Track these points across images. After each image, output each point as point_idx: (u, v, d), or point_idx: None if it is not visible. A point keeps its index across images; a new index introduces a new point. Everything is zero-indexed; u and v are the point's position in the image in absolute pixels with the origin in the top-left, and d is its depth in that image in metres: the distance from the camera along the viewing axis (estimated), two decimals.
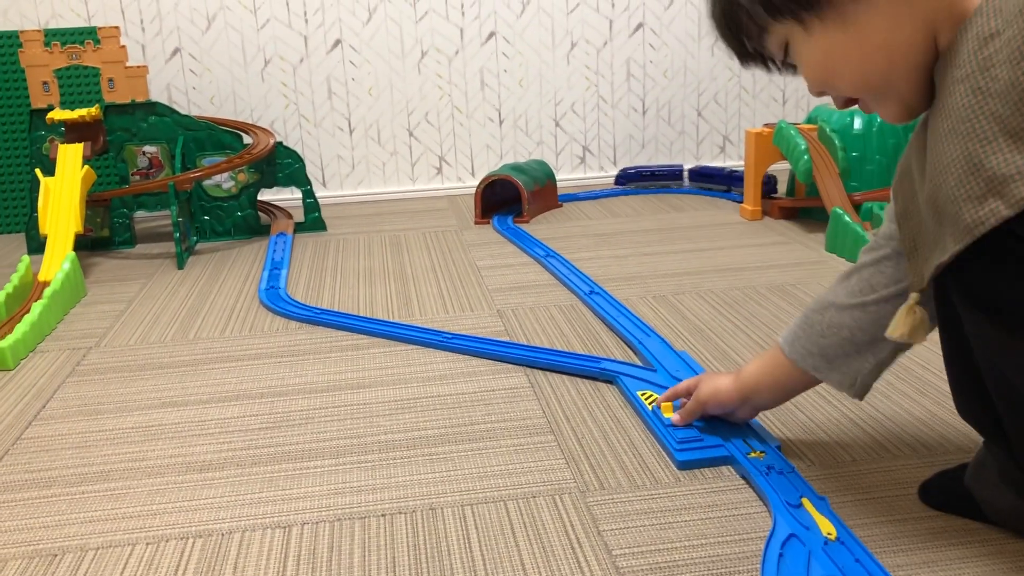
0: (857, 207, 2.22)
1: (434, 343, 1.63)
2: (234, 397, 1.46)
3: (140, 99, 2.45)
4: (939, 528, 1.01)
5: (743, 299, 1.82)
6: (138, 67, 2.44)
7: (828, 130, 2.32)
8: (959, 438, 1.21)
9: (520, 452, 1.23)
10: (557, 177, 3.03)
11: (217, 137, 2.49)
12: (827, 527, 1.00)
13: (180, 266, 2.25)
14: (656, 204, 2.71)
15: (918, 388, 1.37)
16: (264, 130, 2.65)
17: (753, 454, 1.15)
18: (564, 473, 1.17)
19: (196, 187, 2.49)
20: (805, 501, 1.04)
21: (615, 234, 2.39)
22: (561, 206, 2.75)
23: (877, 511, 1.05)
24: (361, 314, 1.83)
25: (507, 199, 2.71)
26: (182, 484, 1.18)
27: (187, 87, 2.83)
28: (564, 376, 1.48)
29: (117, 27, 2.44)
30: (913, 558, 0.96)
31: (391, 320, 1.78)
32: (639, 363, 1.51)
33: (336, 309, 1.87)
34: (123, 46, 2.43)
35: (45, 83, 2.41)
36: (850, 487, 1.10)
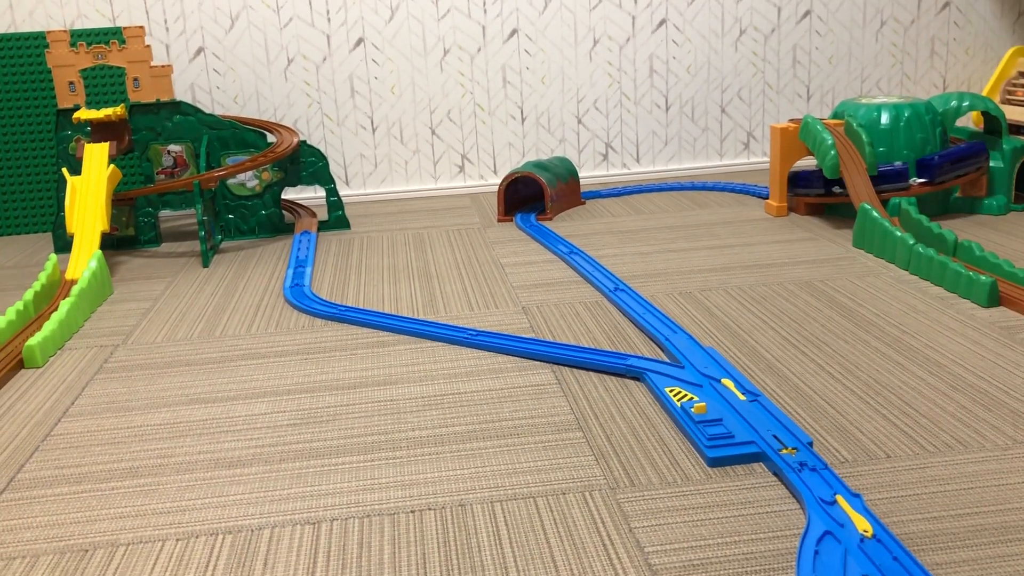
0: (885, 202, 2.20)
1: (459, 340, 1.63)
2: (261, 394, 1.46)
3: (165, 98, 2.46)
4: (978, 526, 0.99)
5: (771, 295, 1.80)
6: (163, 66, 2.45)
7: (855, 125, 2.29)
8: (994, 434, 1.19)
9: (549, 449, 1.22)
10: (580, 174, 3.02)
11: (241, 136, 2.49)
12: (863, 524, 0.98)
13: (205, 264, 2.26)
14: (680, 201, 2.69)
15: (952, 384, 1.35)
16: (288, 129, 2.65)
17: (785, 451, 1.14)
18: (594, 470, 1.16)
19: (220, 186, 2.50)
20: (839, 498, 1.03)
21: (639, 231, 2.37)
22: (584, 203, 2.74)
23: (913, 508, 1.03)
24: (386, 311, 1.83)
25: (530, 197, 2.70)
26: (211, 480, 1.18)
27: (211, 86, 2.84)
28: (591, 373, 1.47)
29: (142, 27, 2.45)
30: (953, 556, 0.94)
31: (416, 317, 1.78)
32: (666, 360, 1.49)
33: (361, 306, 1.87)
34: (148, 46, 2.44)
35: (71, 83, 2.42)
36: (885, 484, 1.09)
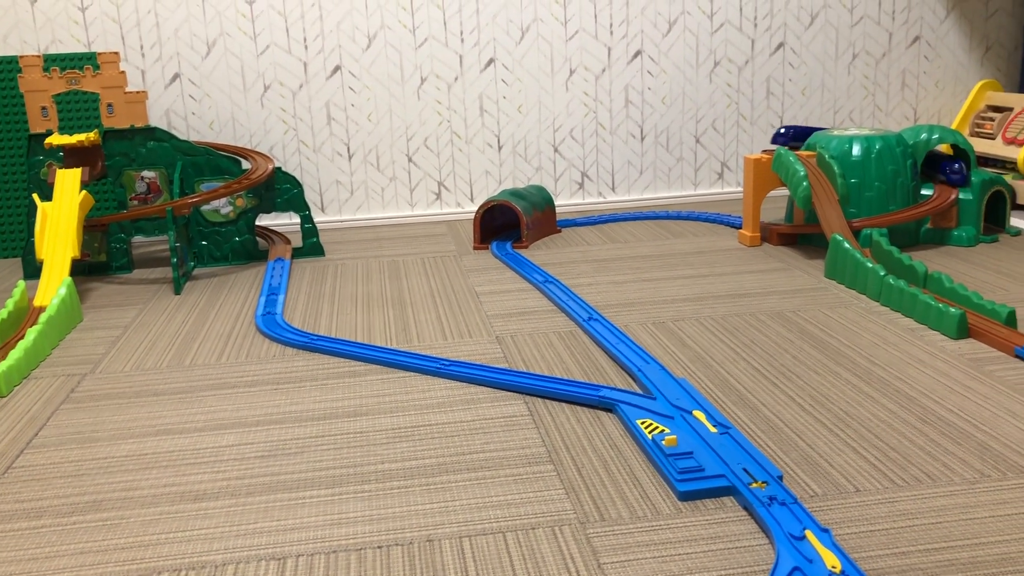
0: (856, 233, 2.22)
1: (432, 370, 1.62)
2: (229, 425, 1.44)
3: (139, 124, 2.44)
4: (946, 561, 0.99)
5: (743, 326, 1.81)
6: (137, 92, 2.44)
7: (827, 156, 2.32)
8: (962, 468, 1.20)
9: (519, 482, 1.21)
10: (556, 203, 3.03)
11: (215, 162, 2.48)
12: (831, 560, 0.98)
13: (177, 291, 2.24)
14: (654, 230, 2.70)
15: (921, 416, 1.36)
16: (263, 155, 2.64)
17: (755, 484, 1.14)
18: (564, 504, 1.15)
19: (194, 212, 2.49)
20: (808, 533, 1.03)
21: (614, 260, 2.38)
22: (560, 231, 2.75)
23: (882, 543, 1.03)
24: (359, 340, 1.82)
25: (506, 224, 2.71)
26: (176, 514, 1.17)
27: (187, 112, 2.83)
28: (563, 404, 1.47)
29: (117, 53, 2.44)
30: None
31: (389, 347, 1.77)
32: (639, 391, 1.49)
33: (333, 335, 1.86)
34: (122, 72, 2.43)
35: (44, 108, 2.41)
36: (854, 519, 1.09)
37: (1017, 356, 1.58)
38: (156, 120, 2.82)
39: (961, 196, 2.39)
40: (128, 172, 2.46)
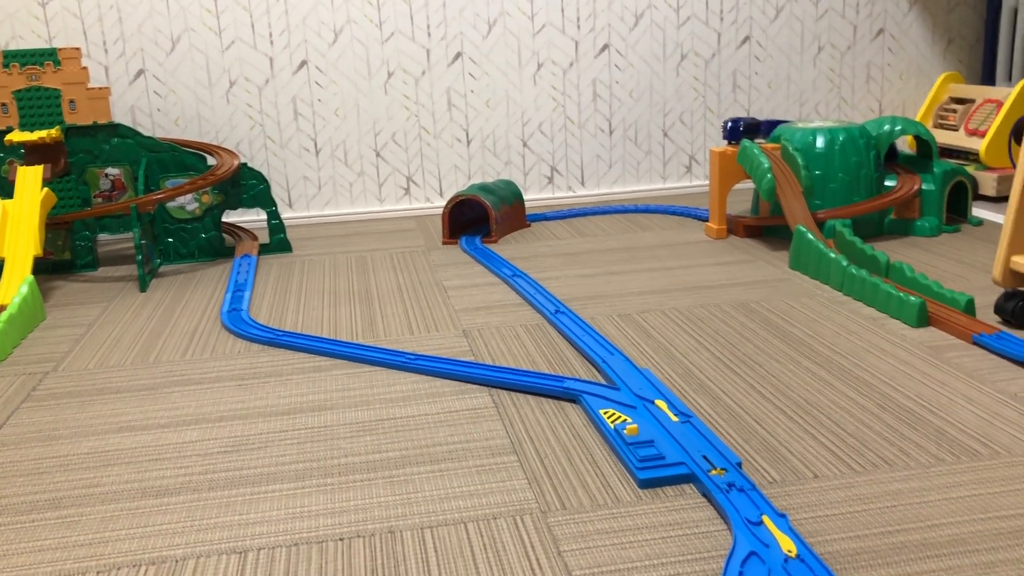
0: (820, 225, 2.24)
1: (397, 364, 1.62)
2: (193, 421, 1.43)
3: (102, 121, 2.42)
4: (900, 543, 1.01)
5: (707, 316, 1.83)
6: (100, 88, 2.42)
7: (791, 148, 2.34)
8: (918, 452, 1.22)
9: (482, 473, 1.22)
10: (525, 197, 3.04)
11: (181, 158, 2.46)
12: (787, 545, 0.99)
13: (143, 289, 2.22)
14: (623, 223, 2.71)
15: (879, 403, 1.37)
16: (228, 151, 2.63)
17: (714, 471, 1.15)
18: (526, 493, 1.16)
19: (160, 209, 2.47)
20: (765, 519, 1.04)
21: (582, 253, 2.39)
22: (529, 226, 2.75)
23: (838, 528, 1.05)
24: (325, 335, 1.81)
25: (475, 219, 2.71)
26: (136, 510, 1.16)
27: (151, 109, 2.80)
28: (529, 396, 1.47)
29: (78, 48, 2.41)
30: (875, 574, 0.96)
31: (355, 341, 1.77)
32: (603, 382, 1.50)
33: (299, 331, 1.85)
34: (84, 67, 2.40)
35: (4, 105, 2.38)
36: (811, 504, 1.10)
37: (975, 343, 1.61)
38: (120, 117, 2.79)
39: (924, 187, 2.42)
40: (92, 169, 2.44)
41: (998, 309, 1.71)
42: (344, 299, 2.07)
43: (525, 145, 3.03)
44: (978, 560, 0.97)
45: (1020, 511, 1.06)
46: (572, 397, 1.44)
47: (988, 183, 2.72)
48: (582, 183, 3.10)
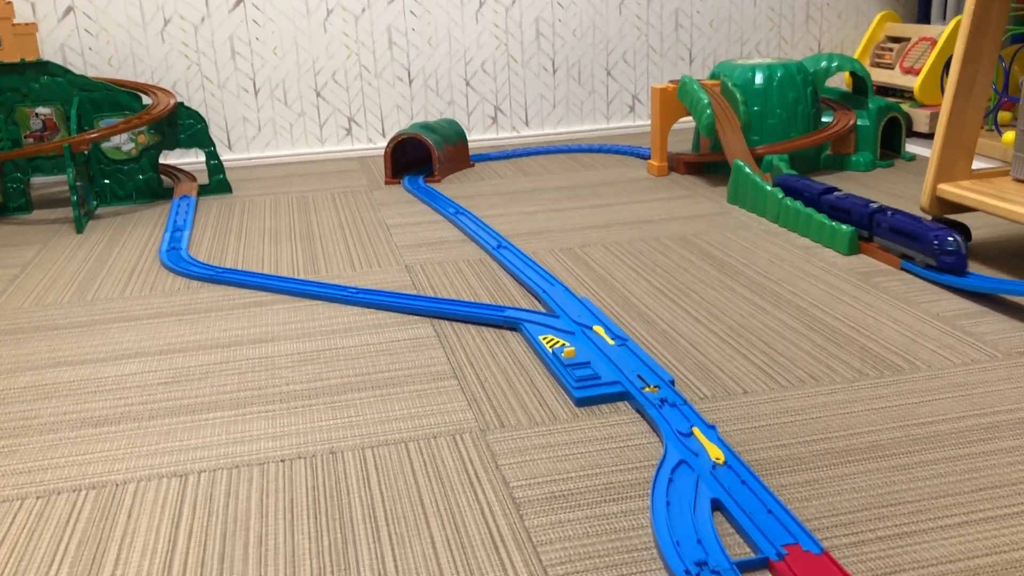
0: (758, 160, 2.28)
1: (339, 298, 1.62)
2: (132, 355, 1.43)
3: (30, 58, 2.35)
4: (823, 450, 1.05)
5: (646, 249, 1.86)
6: (26, 24, 2.34)
7: (730, 85, 2.36)
8: (844, 368, 1.27)
9: (423, 397, 1.24)
10: (469, 137, 3.03)
11: (115, 98, 2.40)
12: (715, 453, 1.03)
13: (79, 230, 2.18)
14: (567, 162, 2.72)
15: (809, 325, 1.42)
16: (164, 91, 2.57)
17: (648, 389, 1.18)
18: (466, 414, 1.18)
19: (94, 150, 2.41)
20: (695, 430, 1.07)
21: (526, 192, 2.40)
22: (473, 166, 2.75)
23: (765, 438, 1.09)
24: (266, 273, 1.81)
25: (418, 159, 2.70)
26: (75, 439, 1.16)
27: (82, 48, 2.72)
28: (470, 325, 1.49)
29: None
30: (797, 478, 1.00)
31: (295, 277, 1.76)
32: (543, 310, 1.52)
33: (239, 268, 1.84)
34: (9, 2, 2.32)
35: None
36: (740, 417, 1.14)
37: (903, 269, 1.66)
38: (50, 56, 2.71)
39: (859, 123, 2.47)
40: (21, 108, 2.37)
41: None
42: (285, 238, 2.06)
43: (468, 84, 3.01)
44: (895, 463, 1.02)
45: (935, 419, 1.12)
46: (512, 325, 1.46)
47: (922, 120, 2.78)
48: (526, 123, 3.09)
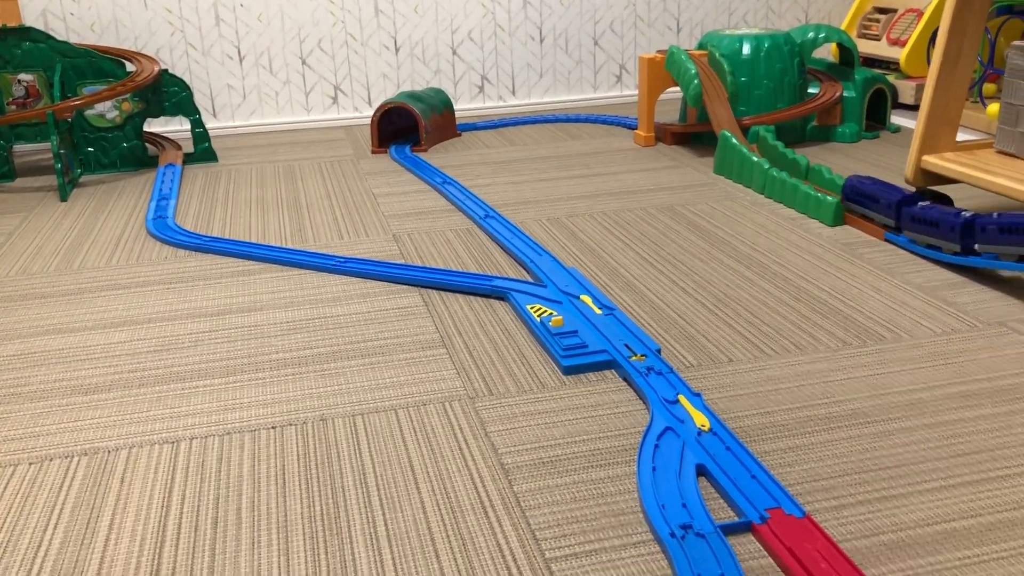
0: (745, 131, 2.28)
1: (327, 267, 1.63)
2: (121, 323, 1.43)
3: (12, 23, 2.32)
4: (806, 417, 1.07)
5: (633, 219, 1.87)
6: None
7: (717, 55, 2.36)
8: (827, 338, 1.28)
9: (412, 365, 1.25)
10: (456, 107, 3.02)
11: (98, 64, 2.38)
12: (701, 420, 1.05)
13: (63, 198, 2.17)
14: (554, 132, 2.72)
15: (794, 295, 1.44)
16: (148, 58, 2.54)
17: (634, 357, 1.20)
18: (455, 382, 1.19)
19: (78, 117, 2.39)
20: (681, 398, 1.09)
21: (513, 161, 2.40)
22: (460, 135, 2.74)
23: (749, 405, 1.11)
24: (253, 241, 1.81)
25: (404, 128, 2.69)
26: (67, 406, 1.16)
27: (64, 13, 2.69)
28: (458, 295, 1.50)
29: None
30: (780, 444, 1.02)
31: (283, 246, 1.77)
32: (530, 280, 1.53)
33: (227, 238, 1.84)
34: None
35: None
36: (725, 385, 1.16)
37: (887, 240, 1.68)
38: (32, 22, 2.67)
39: (845, 94, 2.48)
40: (3, 75, 2.34)
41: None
42: (272, 207, 2.06)
43: (455, 53, 2.99)
44: (875, 430, 1.04)
45: (915, 387, 1.14)
46: (500, 295, 1.47)
47: (907, 91, 2.80)
48: (513, 93, 3.08)
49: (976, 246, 1.48)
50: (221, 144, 2.72)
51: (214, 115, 2.87)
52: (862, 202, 1.73)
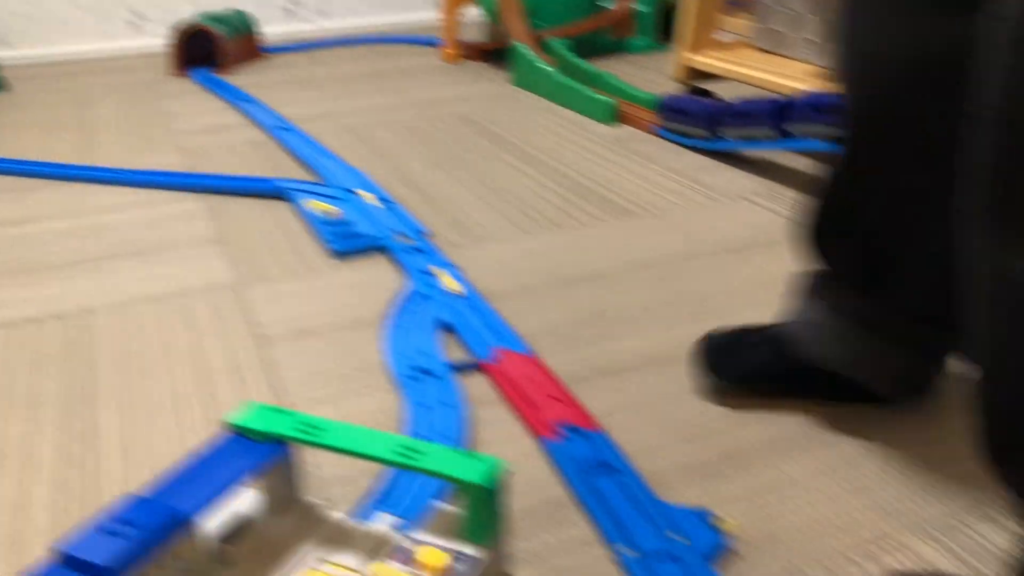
0: (543, 44, 2.37)
1: (110, 179, 1.61)
2: None
3: None
4: (550, 280, 1.17)
5: (428, 128, 1.92)
6: None
7: None
8: (583, 216, 1.39)
9: (186, 260, 1.27)
10: (267, 30, 2.96)
11: None
12: (455, 287, 1.13)
13: None
14: (363, 53, 2.73)
15: (562, 184, 1.53)
16: None
17: (402, 239, 1.27)
18: (228, 274, 1.23)
19: None
20: (434, 268, 1.17)
21: (316, 80, 2.40)
22: (265, 57, 2.71)
23: (504, 274, 1.20)
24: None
25: (210, 53, 2.63)
26: None
27: None
28: (241, 199, 1.52)
29: None
30: (523, 303, 1.11)
31: (66, 163, 1.73)
32: (314, 181, 1.57)
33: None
34: None
35: None
36: (485, 258, 1.25)
37: (657, 135, 1.80)
38: None
39: (639, 8, 2.59)
40: None
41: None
42: (59, 130, 2.00)
43: None
44: (609, 285, 1.15)
45: (650, 249, 1.26)
46: (281, 194, 1.50)
47: None
48: (326, 15, 3.06)
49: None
50: (14, 74, 2.59)
51: (9, 45, 2.72)
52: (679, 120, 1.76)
